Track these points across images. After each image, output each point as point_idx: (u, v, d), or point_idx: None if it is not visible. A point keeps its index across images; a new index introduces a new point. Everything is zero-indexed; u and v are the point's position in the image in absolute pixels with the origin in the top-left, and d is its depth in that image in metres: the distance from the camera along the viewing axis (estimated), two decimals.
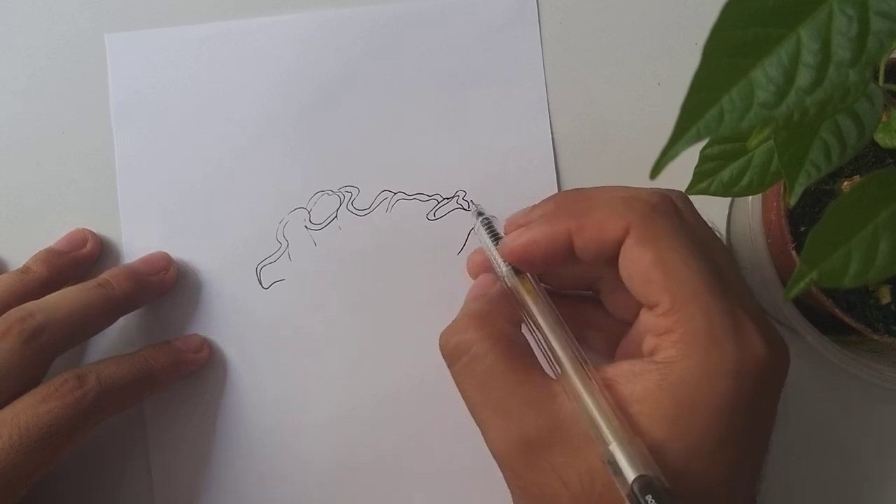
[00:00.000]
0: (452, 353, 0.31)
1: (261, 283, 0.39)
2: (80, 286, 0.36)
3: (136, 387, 0.35)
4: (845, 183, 0.33)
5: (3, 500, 0.31)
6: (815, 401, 0.39)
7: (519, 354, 0.30)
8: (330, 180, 0.40)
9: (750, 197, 0.35)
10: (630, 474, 0.25)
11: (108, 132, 0.40)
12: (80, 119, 0.41)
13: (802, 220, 0.33)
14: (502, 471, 0.30)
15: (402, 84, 0.40)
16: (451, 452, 0.38)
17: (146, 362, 0.36)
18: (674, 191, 0.32)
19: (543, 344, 0.31)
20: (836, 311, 0.32)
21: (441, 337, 0.32)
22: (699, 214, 0.32)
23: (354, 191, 0.40)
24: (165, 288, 0.39)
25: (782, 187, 0.32)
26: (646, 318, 0.29)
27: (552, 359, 0.30)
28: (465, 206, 0.39)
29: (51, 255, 0.38)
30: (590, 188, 0.33)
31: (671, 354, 0.28)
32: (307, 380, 0.39)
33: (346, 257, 0.39)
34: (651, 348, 0.29)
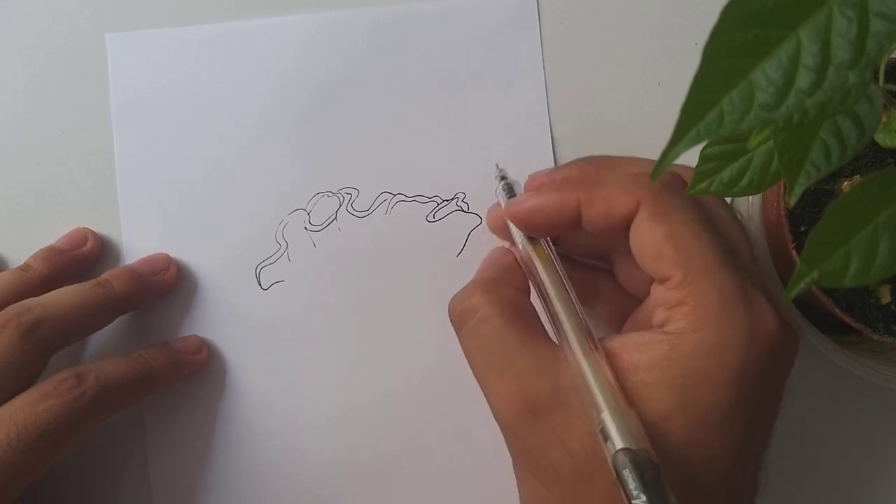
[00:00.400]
0: (460, 318, 0.31)
1: (260, 284, 0.39)
2: (79, 285, 0.36)
3: (134, 386, 0.35)
4: (845, 183, 0.33)
5: (0, 498, 0.31)
6: (814, 401, 0.39)
7: (525, 320, 0.31)
8: (329, 182, 0.40)
9: (750, 197, 0.35)
10: (618, 444, 0.25)
11: (108, 132, 0.40)
12: (80, 119, 0.40)
13: (803, 219, 0.33)
14: (504, 434, 0.30)
15: (402, 85, 0.40)
16: (451, 452, 0.38)
17: (145, 362, 0.36)
18: (688, 167, 0.32)
19: (549, 310, 0.31)
20: (836, 310, 0.32)
21: (450, 303, 0.32)
22: None
23: (354, 192, 0.40)
24: (166, 288, 0.39)
25: (782, 187, 0.32)
26: (657, 292, 0.30)
27: (554, 324, 0.30)
28: (465, 208, 0.39)
29: (51, 253, 0.38)
30: (613, 157, 0.33)
31: (682, 326, 0.28)
32: (306, 381, 0.39)
33: (346, 259, 0.39)
34: (662, 320, 0.29)
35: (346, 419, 0.39)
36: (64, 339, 0.35)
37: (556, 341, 0.30)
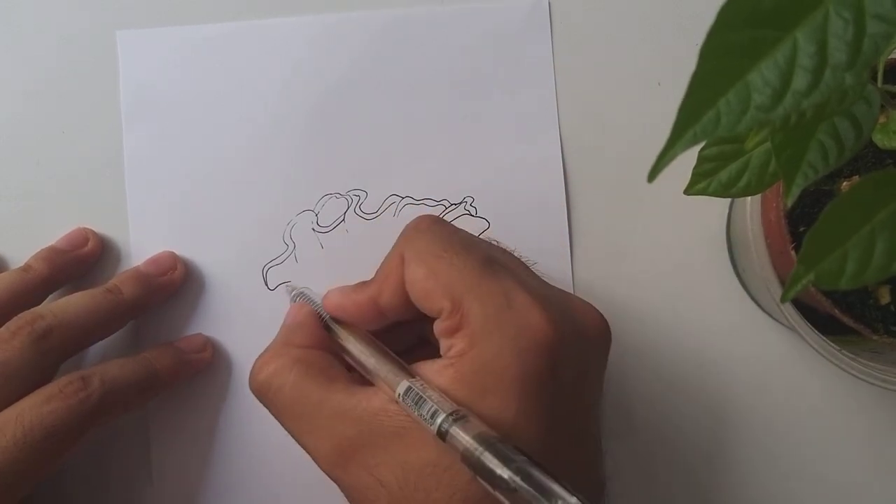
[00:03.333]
0: (260, 392, 0.32)
1: (267, 285, 0.40)
2: (89, 292, 0.36)
3: (140, 388, 0.35)
4: (844, 183, 0.34)
5: (4, 498, 0.31)
6: (814, 401, 0.39)
7: (317, 372, 0.31)
8: (338, 183, 0.40)
9: (749, 198, 0.35)
10: (464, 437, 0.26)
11: (109, 132, 0.40)
12: (81, 119, 0.41)
13: (802, 220, 0.33)
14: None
15: (413, 88, 0.41)
16: None
17: (150, 364, 0.36)
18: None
19: (355, 357, 0.32)
20: (835, 311, 0.32)
21: (249, 382, 0.33)
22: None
23: (362, 194, 0.40)
24: (174, 288, 0.39)
25: (781, 188, 0.32)
26: (437, 327, 0.30)
27: (361, 367, 0.31)
28: (473, 213, 0.40)
29: (52, 254, 0.38)
30: None
31: (460, 348, 0.29)
32: None
33: (353, 260, 0.40)
34: (446, 349, 0.30)
35: None
36: (75, 346, 0.35)
37: (363, 384, 0.31)
